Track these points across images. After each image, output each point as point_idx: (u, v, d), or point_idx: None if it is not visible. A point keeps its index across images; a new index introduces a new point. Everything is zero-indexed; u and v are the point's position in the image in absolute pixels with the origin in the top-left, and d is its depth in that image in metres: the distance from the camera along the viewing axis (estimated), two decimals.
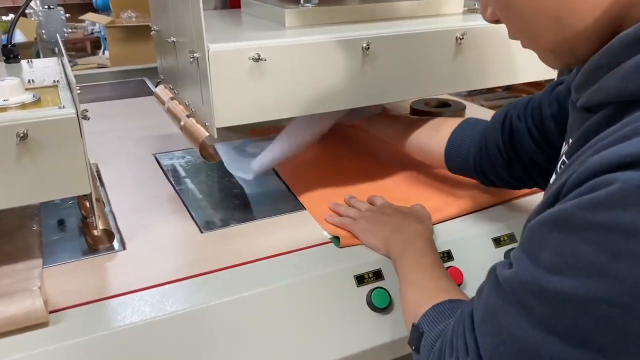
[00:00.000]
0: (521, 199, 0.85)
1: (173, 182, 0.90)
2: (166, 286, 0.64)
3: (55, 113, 0.60)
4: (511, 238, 0.77)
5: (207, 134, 0.72)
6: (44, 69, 0.80)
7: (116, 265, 0.68)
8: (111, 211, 0.81)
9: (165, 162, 0.98)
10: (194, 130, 0.75)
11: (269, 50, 0.68)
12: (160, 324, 0.60)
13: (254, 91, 0.68)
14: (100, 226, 0.70)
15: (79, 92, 0.66)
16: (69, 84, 0.69)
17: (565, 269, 0.38)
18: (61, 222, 0.79)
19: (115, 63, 2.47)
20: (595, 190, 0.37)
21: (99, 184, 0.90)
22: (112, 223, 0.77)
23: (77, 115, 0.61)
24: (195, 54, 0.68)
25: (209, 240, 0.74)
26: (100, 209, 0.73)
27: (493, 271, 0.47)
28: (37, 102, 0.64)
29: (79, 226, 0.78)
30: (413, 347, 0.56)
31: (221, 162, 0.81)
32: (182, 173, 0.94)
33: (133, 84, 1.75)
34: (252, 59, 0.67)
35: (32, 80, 0.73)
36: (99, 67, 2.56)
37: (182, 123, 0.79)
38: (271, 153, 0.82)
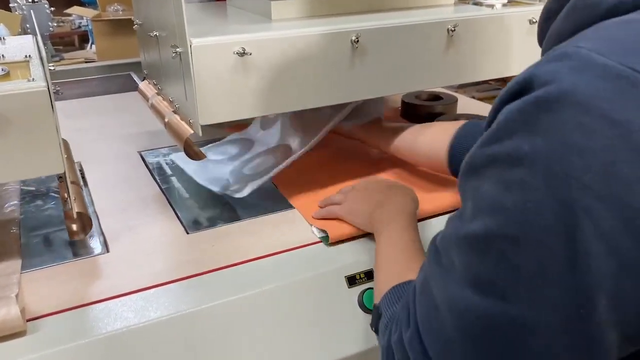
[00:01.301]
0: None
1: (159, 181, 0.87)
2: (150, 290, 0.62)
3: (24, 86, 0.56)
4: None
5: (192, 132, 0.70)
6: (17, 46, 0.76)
7: (98, 269, 0.66)
8: (95, 212, 0.78)
9: (151, 160, 0.96)
10: (178, 128, 0.72)
11: (255, 44, 0.65)
12: (144, 330, 0.57)
13: (239, 87, 0.66)
14: (76, 209, 0.66)
15: (52, 68, 0.62)
16: (41, 60, 0.66)
17: (477, 213, 0.38)
18: (42, 225, 0.77)
19: (103, 57, 2.43)
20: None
21: (81, 182, 0.87)
22: (95, 225, 0.75)
23: (48, 88, 0.57)
24: (177, 49, 0.66)
25: (196, 241, 0.71)
26: (76, 192, 0.69)
27: (434, 239, 0.46)
28: (5, 76, 0.60)
29: (60, 230, 0.75)
30: (373, 328, 0.55)
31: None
32: (168, 171, 0.92)
33: (119, 79, 1.72)
34: (237, 53, 0.64)
35: (3, 56, 0.69)
36: (86, 62, 2.52)
37: (166, 120, 0.76)
38: (265, 175, 0.82)
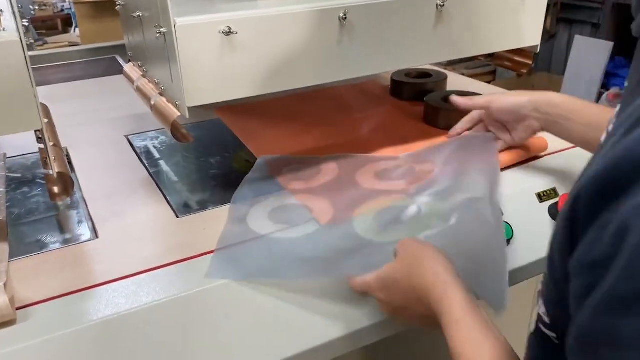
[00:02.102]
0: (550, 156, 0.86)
1: (147, 165, 0.86)
2: (141, 275, 0.61)
3: None
4: (554, 192, 0.79)
5: (179, 114, 0.69)
6: None
7: (88, 256, 0.65)
8: (82, 198, 0.77)
9: (138, 143, 0.94)
10: (165, 110, 0.71)
11: (241, 23, 0.64)
12: (136, 316, 0.57)
13: (225, 67, 0.65)
14: (57, 169, 0.64)
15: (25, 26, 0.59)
16: (14, 14, 0.64)
17: None
18: (29, 212, 0.76)
19: (86, 41, 2.39)
20: (618, 241, 0.28)
21: (68, 167, 0.86)
22: (83, 210, 0.74)
23: (21, 40, 0.55)
24: (161, 29, 0.64)
25: (186, 225, 0.70)
26: (57, 153, 0.68)
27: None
28: None
29: (49, 217, 0.74)
30: None
31: (196, 142, 0.77)
32: (156, 155, 0.91)
33: (104, 63, 1.69)
34: (223, 32, 0.63)
35: None
36: (70, 46, 2.48)
37: (152, 103, 0.75)
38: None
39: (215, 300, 0.60)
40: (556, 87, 2.80)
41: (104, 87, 1.30)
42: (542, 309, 0.40)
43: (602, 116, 0.70)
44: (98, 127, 1.02)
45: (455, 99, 0.82)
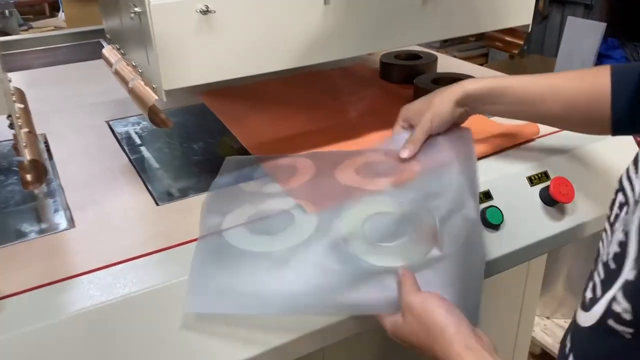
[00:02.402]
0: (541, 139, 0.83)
1: (127, 151, 0.83)
2: (118, 266, 0.59)
3: None
4: (545, 176, 0.76)
5: (157, 98, 0.66)
6: None
7: (64, 246, 0.63)
8: (60, 186, 0.74)
9: (120, 129, 0.92)
10: (143, 94, 0.69)
11: (219, 1, 0.61)
12: (113, 308, 0.55)
13: (204, 48, 0.62)
14: (29, 156, 0.61)
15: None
16: None
17: None
18: (4, 201, 0.73)
19: (72, 25, 2.34)
20: None
21: (46, 155, 0.83)
22: (61, 199, 0.71)
23: None
24: (136, 9, 0.61)
25: (166, 213, 0.68)
26: (29, 139, 0.65)
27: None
28: None
29: (24, 205, 0.71)
30: None
31: (180, 127, 0.74)
32: (137, 141, 0.88)
33: (88, 47, 1.65)
34: (200, 11, 0.60)
35: None
36: (55, 30, 2.43)
37: (130, 86, 0.72)
38: None
39: None
40: (549, 69, 2.77)
41: (87, 71, 1.26)
42: (621, 306, 0.40)
43: (533, 88, 0.70)
44: (79, 113, 0.99)
45: (404, 154, 0.74)
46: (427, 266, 0.61)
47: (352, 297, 0.59)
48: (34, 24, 3.07)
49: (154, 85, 0.65)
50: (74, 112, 0.99)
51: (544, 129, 0.83)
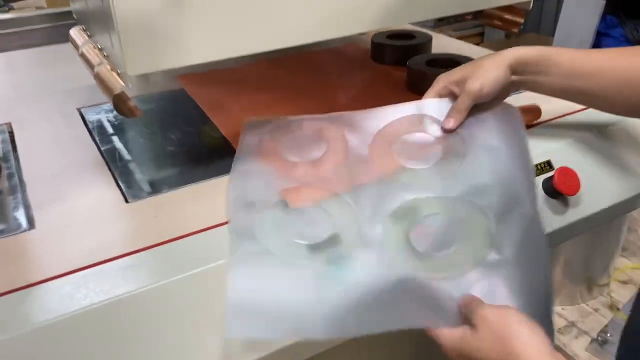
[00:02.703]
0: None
1: (98, 142, 0.77)
2: (80, 273, 0.53)
3: None
4: (549, 166, 0.71)
5: (123, 85, 0.60)
6: None
7: (21, 250, 0.57)
8: (22, 181, 0.68)
9: (91, 117, 0.85)
10: (108, 80, 0.62)
11: None
12: (72, 321, 0.49)
13: (172, 29, 0.55)
14: None
15: None
16: None
17: None
18: None
19: (52, 4, 2.25)
20: None
21: (9, 147, 0.77)
22: (22, 196, 0.65)
23: None
24: None
25: (136, 211, 0.62)
26: None
27: None
28: None
29: None
30: None
31: (157, 114, 0.68)
32: (110, 130, 0.82)
33: (67, 28, 1.58)
34: None
35: None
36: (36, 10, 2.33)
37: (95, 71, 0.66)
38: None
39: (165, 300, 0.53)
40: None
41: (63, 54, 1.19)
42: None
43: (582, 61, 0.64)
44: (48, 99, 0.92)
45: (447, 124, 0.67)
46: (487, 273, 0.55)
47: (403, 311, 0.53)
48: (15, 4, 2.98)
49: (119, 71, 0.59)
50: (43, 99, 0.93)
51: (546, 114, 0.77)
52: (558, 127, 0.77)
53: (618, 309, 1.61)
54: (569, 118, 0.79)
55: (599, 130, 0.76)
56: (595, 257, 1.57)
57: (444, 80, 0.69)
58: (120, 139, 0.79)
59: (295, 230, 0.58)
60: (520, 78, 0.66)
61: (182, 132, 0.80)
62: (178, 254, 0.56)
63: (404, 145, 0.67)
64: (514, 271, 0.54)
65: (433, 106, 0.69)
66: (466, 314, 0.51)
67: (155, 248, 0.56)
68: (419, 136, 0.68)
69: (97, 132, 0.80)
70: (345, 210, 0.60)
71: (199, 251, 0.56)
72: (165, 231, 0.58)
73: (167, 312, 0.53)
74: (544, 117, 0.77)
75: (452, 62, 0.89)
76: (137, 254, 0.55)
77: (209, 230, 0.59)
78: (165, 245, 0.57)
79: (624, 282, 1.72)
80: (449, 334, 0.51)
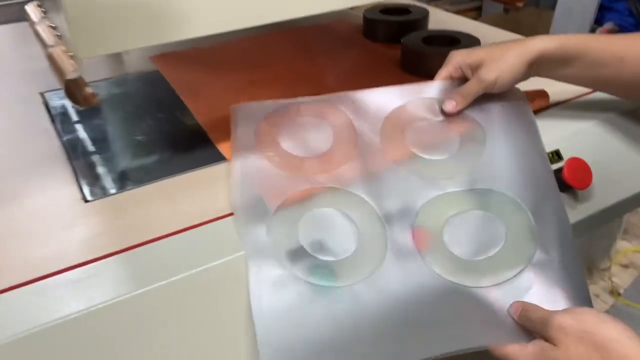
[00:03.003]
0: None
1: (60, 131, 0.70)
2: (22, 289, 0.46)
3: None
4: (557, 156, 0.64)
5: (76, 69, 0.52)
6: None
7: None
8: None
9: (55, 102, 0.77)
10: (60, 62, 0.54)
11: None
12: (13, 347, 0.42)
13: (124, 6, 0.48)
14: None
15: None
16: None
17: None
18: None
19: None
20: None
21: None
22: None
23: None
24: None
25: (95, 212, 0.55)
26: None
27: None
28: None
29: None
30: None
31: (127, 99, 0.60)
32: (74, 117, 0.74)
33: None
34: None
35: None
36: None
37: (48, 52, 0.58)
38: None
39: (123, 318, 0.46)
40: (546, 24, 2.62)
41: (23, 33, 1.10)
42: None
43: (608, 48, 0.59)
44: (7, 82, 0.84)
45: (448, 106, 0.61)
46: (539, 275, 0.50)
47: (456, 330, 0.47)
48: None
49: (69, 53, 0.51)
50: (4, 82, 0.85)
51: (552, 97, 0.70)
52: (566, 113, 0.70)
53: (619, 294, 1.56)
54: (579, 101, 0.72)
55: (613, 116, 0.69)
56: (596, 240, 1.51)
57: (458, 59, 0.63)
58: (85, 127, 0.71)
59: (315, 243, 0.51)
60: (541, 73, 0.62)
61: (153, 119, 0.73)
62: (143, 263, 0.49)
63: (417, 133, 0.61)
64: (562, 273, 0.49)
65: (444, 89, 0.63)
66: (532, 326, 0.46)
67: (116, 256, 0.49)
68: (432, 122, 0.62)
69: (59, 120, 0.72)
70: (367, 214, 0.53)
71: (169, 259, 0.49)
72: (128, 235, 0.51)
73: (128, 334, 0.46)
74: (550, 100, 0.70)
75: (450, 39, 0.82)
76: (93, 264, 0.49)
77: (180, 234, 0.52)
78: (127, 252, 0.50)
79: (625, 266, 1.67)
80: (521, 352, 0.45)
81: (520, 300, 0.49)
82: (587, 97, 0.72)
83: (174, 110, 0.74)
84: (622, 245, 1.72)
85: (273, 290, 0.47)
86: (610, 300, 1.56)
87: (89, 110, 0.75)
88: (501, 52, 0.60)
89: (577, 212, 0.63)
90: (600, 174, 0.64)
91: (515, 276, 0.50)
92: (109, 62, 0.91)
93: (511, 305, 0.48)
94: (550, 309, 0.47)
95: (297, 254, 0.50)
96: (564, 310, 0.46)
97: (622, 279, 1.62)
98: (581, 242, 1.51)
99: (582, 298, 0.50)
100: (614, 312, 1.51)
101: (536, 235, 0.51)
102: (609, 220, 0.68)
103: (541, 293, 0.49)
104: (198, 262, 0.49)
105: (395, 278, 0.49)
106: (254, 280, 0.48)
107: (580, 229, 0.64)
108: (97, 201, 0.56)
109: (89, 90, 0.56)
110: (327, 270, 0.49)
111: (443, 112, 0.62)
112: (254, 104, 0.64)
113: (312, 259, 0.50)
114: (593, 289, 1.60)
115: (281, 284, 0.48)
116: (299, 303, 0.47)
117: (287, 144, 0.60)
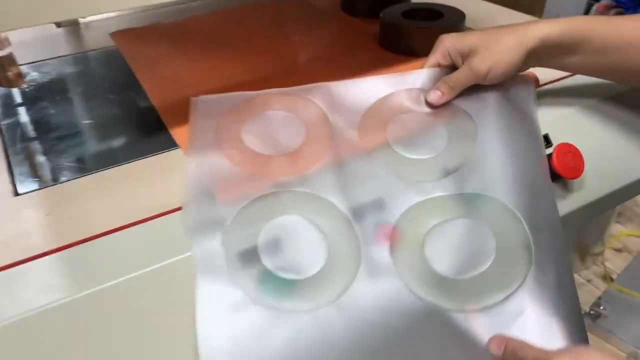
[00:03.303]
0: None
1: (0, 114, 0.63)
2: None
3: None
4: (546, 140, 0.58)
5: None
6: None
7: None
8: None
9: None
10: None
11: None
12: None
13: None
14: None
15: None
16: None
17: None
18: None
19: None
20: None
21: None
22: None
23: None
24: None
25: (25, 207, 0.49)
26: None
27: None
28: None
29: None
30: None
31: (82, 79, 0.54)
32: (18, 99, 0.67)
33: None
34: None
35: None
36: None
37: None
38: None
39: (51, 328, 0.40)
40: (540, 1, 2.54)
41: None
42: None
43: (615, 33, 0.53)
44: None
45: (433, 97, 0.55)
46: (534, 301, 0.43)
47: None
48: None
49: None
50: None
51: (542, 78, 0.64)
52: (556, 94, 0.64)
53: (612, 280, 1.52)
54: (568, 82, 0.65)
55: (606, 98, 0.63)
56: (589, 223, 1.47)
57: (447, 44, 0.57)
58: (28, 110, 0.65)
59: (277, 260, 0.44)
60: (541, 62, 0.55)
61: (105, 101, 0.66)
62: (79, 264, 0.43)
63: (400, 128, 0.54)
64: (558, 296, 0.43)
65: (431, 78, 0.57)
66: None
67: (42, 258, 0.44)
68: (416, 115, 0.56)
69: (1, 102, 0.66)
70: (339, 222, 0.46)
71: (109, 259, 0.44)
72: (56, 234, 0.45)
73: (60, 342, 0.40)
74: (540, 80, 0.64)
75: (433, 13, 0.75)
76: (18, 266, 0.43)
77: (121, 231, 0.46)
78: (57, 254, 0.44)
79: (619, 250, 1.63)
80: None
81: (507, 329, 0.42)
82: (576, 76, 0.66)
83: (129, 91, 0.67)
84: (616, 229, 1.67)
85: (225, 316, 0.41)
86: (603, 285, 1.52)
87: (36, 92, 0.69)
88: (496, 39, 0.54)
89: (567, 204, 0.58)
90: (594, 161, 0.58)
91: (506, 298, 0.43)
92: (66, 39, 0.84)
93: (491, 340, 0.41)
94: (544, 339, 0.41)
95: (255, 271, 0.43)
96: (562, 351, 0.39)
97: (615, 263, 1.58)
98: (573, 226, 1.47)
99: (578, 328, 0.44)
100: (606, 298, 1.47)
101: (533, 251, 0.45)
102: (601, 212, 0.62)
103: (533, 320, 0.42)
104: (139, 264, 0.43)
105: (368, 299, 0.43)
106: (202, 302, 0.42)
107: (570, 221, 0.59)
108: (29, 194, 0.50)
109: (15, 70, 0.50)
110: (287, 288, 0.43)
111: (428, 104, 0.56)
112: (216, 97, 0.58)
113: (272, 279, 0.43)
114: (585, 274, 1.56)
115: (235, 309, 0.42)
116: (255, 331, 0.41)
117: (251, 141, 0.53)
